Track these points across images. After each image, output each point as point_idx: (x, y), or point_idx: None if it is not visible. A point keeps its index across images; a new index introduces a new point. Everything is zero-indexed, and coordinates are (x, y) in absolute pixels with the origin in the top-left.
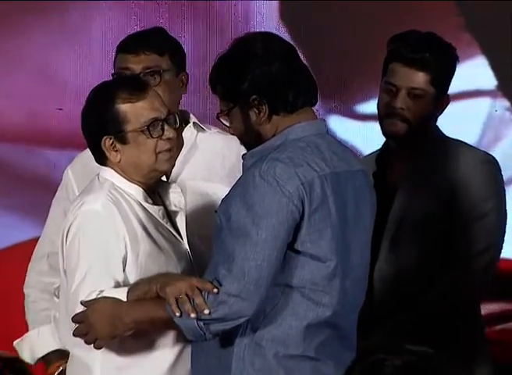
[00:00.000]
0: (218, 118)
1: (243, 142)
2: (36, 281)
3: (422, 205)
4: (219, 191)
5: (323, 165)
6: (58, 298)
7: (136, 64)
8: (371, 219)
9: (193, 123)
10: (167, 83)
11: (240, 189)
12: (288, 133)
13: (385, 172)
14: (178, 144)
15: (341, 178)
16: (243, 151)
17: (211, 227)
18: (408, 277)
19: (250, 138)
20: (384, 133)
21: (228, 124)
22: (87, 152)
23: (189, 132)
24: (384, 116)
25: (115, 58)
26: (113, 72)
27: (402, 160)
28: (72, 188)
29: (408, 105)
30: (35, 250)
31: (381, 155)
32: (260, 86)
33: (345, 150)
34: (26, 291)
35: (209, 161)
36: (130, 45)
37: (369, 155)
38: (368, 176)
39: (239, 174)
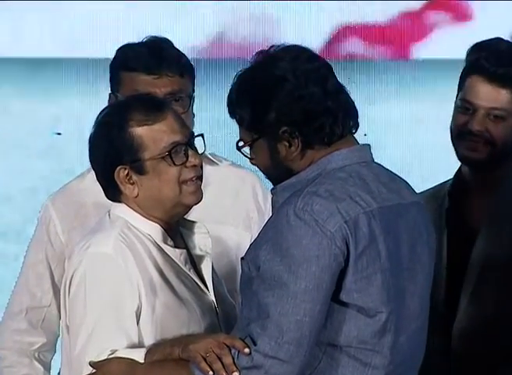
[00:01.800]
0: (238, 149)
1: (268, 176)
2: (12, 341)
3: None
4: (233, 234)
5: (369, 199)
6: (38, 361)
7: (159, 88)
8: (430, 260)
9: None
10: (190, 111)
11: (271, 231)
12: (327, 162)
13: (462, 208)
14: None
15: (391, 213)
16: (258, 186)
17: (230, 279)
18: (496, 341)
19: (279, 174)
20: (461, 159)
21: (250, 156)
22: (74, 183)
23: None
24: (458, 139)
25: (115, 76)
26: (115, 97)
27: (483, 193)
28: (55, 228)
29: (487, 127)
30: (9, 305)
31: (455, 186)
32: (291, 116)
33: (395, 179)
34: (0, 353)
35: (220, 199)
36: (150, 64)
37: (437, 186)
38: (442, 213)
39: (253, 214)
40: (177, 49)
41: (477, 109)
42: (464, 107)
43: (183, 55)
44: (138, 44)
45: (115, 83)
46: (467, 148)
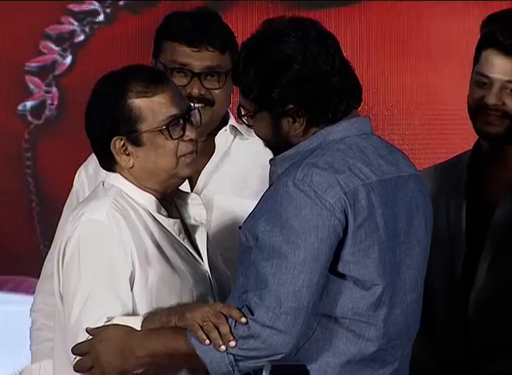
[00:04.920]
0: (239, 117)
1: (267, 145)
2: (43, 304)
3: None
4: (250, 209)
5: (368, 171)
6: None
7: (197, 61)
8: (427, 233)
9: (231, 126)
10: (227, 86)
11: (270, 202)
12: (326, 134)
13: (481, 180)
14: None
15: (390, 186)
16: None
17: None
18: None
19: (279, 145)
20: (478, 133)
21: (248, 123)
22: None
23: (223, 137)
24: (475, 113)
25: (157, 42)
26: (154, 62)
27: (501, 165)
28: (84, 193)
29: (504, 100)
30: (43, 268)
31: (473, 158)
32: (298, 96)
33: (394, 152)
34: (32, 315)
35: (244, 172)
36: (192, 36)
37: (455, 157)
38: (460, 185)
39: None
40: (223, 24)
41: (493, 83)
42: (480, 81)
43: (229, 30)
44: (185, 14)
45: (156, 49)
46: (484, 123)
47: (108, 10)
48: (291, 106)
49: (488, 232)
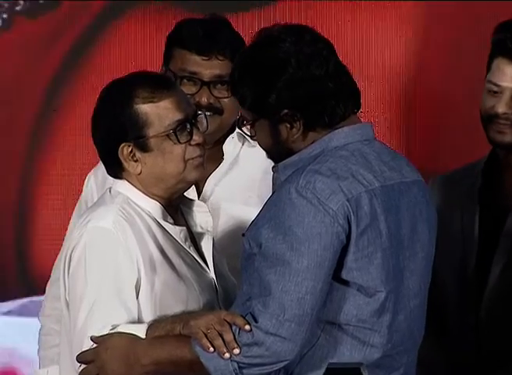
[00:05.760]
0: (239, 127)
1: (269, 155)
2: (52, 308)
3: None
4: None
5: (371, 177)
6: None
7: (207, 69)
8: (431, 239)
9: (238, 133)
10: None
11: (274, 209)
12: (329, 140)
13: (495, 186)
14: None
15: (393, 192)
16: None
17: None
18: None
19: (280, 153)
20: (490, 141)
21: (250, 134)
22: None
23: (231, 145)
24: (486, 122)
25: (168, 50)
26: (165, 70)
27: (510, 173)
28: (92, 199)
29: None
30: (52, 273)
31: (488, 165)
32: (292, 100)
33: (397, 157)
34: (41, 320)
35: (252, 180)
36: (202, 45)
37: (470, 164)
38: (474, 191)
39: None
40: (234, 32)
41: (503, 91)
42: (491, 89)
43: (239, 38)
44: (196, 22)
45: (167, 56)
46: (495, 131)
47: (4, 15)
48: (286, 111)
49: (500, 239)
